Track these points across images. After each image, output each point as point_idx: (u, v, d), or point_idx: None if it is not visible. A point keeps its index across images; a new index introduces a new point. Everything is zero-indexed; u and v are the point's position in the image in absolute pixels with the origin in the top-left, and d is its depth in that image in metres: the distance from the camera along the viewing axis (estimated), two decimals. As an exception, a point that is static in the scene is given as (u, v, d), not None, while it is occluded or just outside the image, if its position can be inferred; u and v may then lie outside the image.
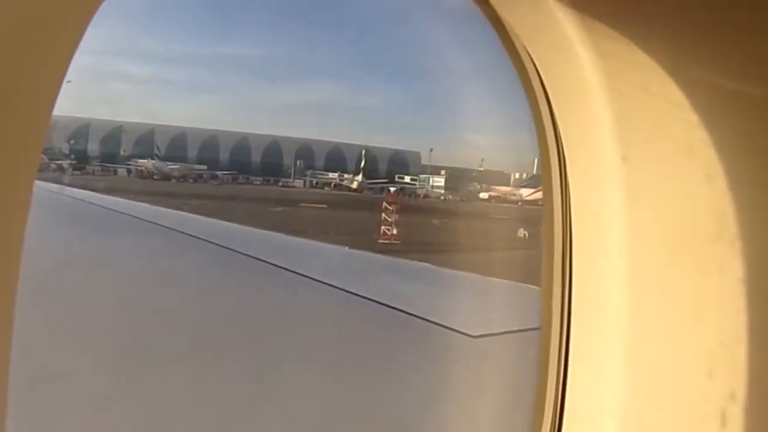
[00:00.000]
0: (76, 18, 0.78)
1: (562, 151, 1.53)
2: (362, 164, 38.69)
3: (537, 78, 1.53)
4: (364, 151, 38.72)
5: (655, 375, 1.39)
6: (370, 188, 38.04)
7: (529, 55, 1.51)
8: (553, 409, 1.56)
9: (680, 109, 1.32)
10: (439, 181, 38.44)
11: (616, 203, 1.39)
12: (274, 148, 36.88)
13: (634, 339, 1.39)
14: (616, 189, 1.38)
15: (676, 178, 1.36)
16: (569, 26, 1.33)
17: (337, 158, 38.37)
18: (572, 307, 1.53)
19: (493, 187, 37.01)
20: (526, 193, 36.02)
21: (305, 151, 37.57)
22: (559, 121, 1.51)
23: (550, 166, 1.56)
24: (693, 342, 1.36)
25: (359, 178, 38.54)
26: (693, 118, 1.32)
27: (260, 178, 36.16)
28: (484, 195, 37.01)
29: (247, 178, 35.93)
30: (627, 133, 1.35)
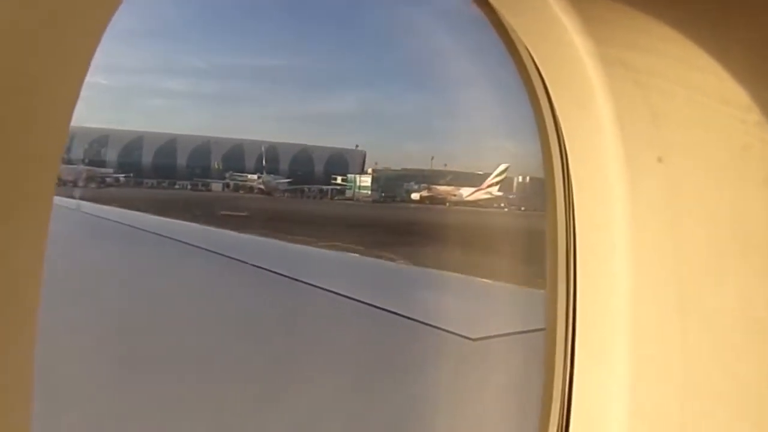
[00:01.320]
0: (92, 23, 0.78)
1: (565, 152, 1.53)
2: (263, 162, 36.55)
3: (539, 79, 1.53)
4: (264, 148, 36.29)
5: (662, 377, 1.39)
6: (287, 190, 36.25)
7: (531, 56, 1.51)
8: (560, 411, 1.55)
9: (729, 107, 1.29)
10: (366, 181, 36.70)
11: (625, 205, 1.40)
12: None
13: (641, 341, 1.39)
14: (641, 190, 1.37)
15: (726, 180, 1.34)
16: (570, 23, 1.33)
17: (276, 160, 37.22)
18: (577, 308, 1.53)
19: (434, 186, 36.57)
20: (466, 192, 35.28)
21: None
22: (561, 121, 1.52)
23: (552, 168, 1.56)
24: (702, 344, 1.36)
25: (266, 178, 36.28)
26: (747, 116, 1.29)
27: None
28: (415, 195, 36.13)
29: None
30: (663, 132, 1.34)
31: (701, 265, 1.35)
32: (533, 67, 1.53)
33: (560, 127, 1.53)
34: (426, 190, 37.43)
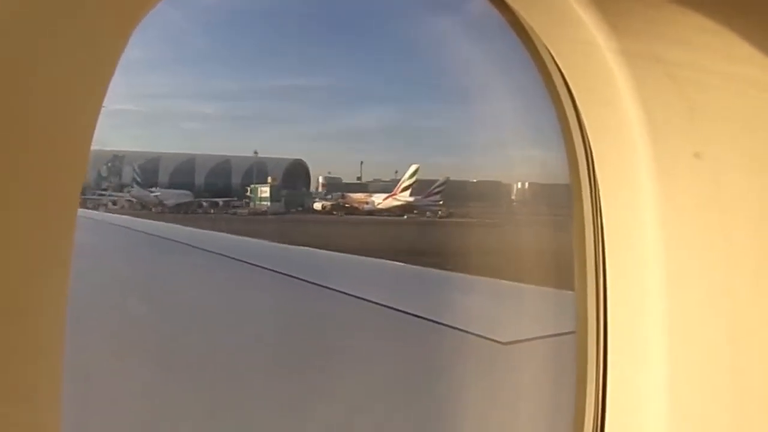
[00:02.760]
0: (112, 42, 0.79)
1: (590, 153, 1.52)
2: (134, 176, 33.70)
3: (561, 79, 1.52)
4: (136, 166, 33.17)
5: (705, 381, 1.36)
6: (177, 204, 32.62)
7: (552, 57, 1.49)
8: (594, 416, 1.53)
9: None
10: (265, 192, 34.47)
11: (657, 203, 1.39)
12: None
13: (680, 344, 1.37)
14: (675, 187, 1.35)
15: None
16: (590, 19, 1.31)
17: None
18: (608, 311, 1.51)
19: (348, 195, 35.91)
20: (378, 199, 33.20)
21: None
22: (586, 121, 1.51)
23: (578, 169, 1.55)
24: (750, 347, 1.33)
25: (138, 192, 32.75)
26: None
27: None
28: (318, 206, 34.07)
29: (216, 204, 33.54)
30: (701, 126, 1.31)
31: (746, 264, 1.31)
32: (555, 67, 1.51)
33: (584, 127, 1.52)
34: (336, 200, 36.76)
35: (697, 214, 1.36)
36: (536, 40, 1.50)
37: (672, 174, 1.37)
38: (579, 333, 1.56)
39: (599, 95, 1.45)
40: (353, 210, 34.96)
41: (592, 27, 1.32)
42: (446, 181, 33.66)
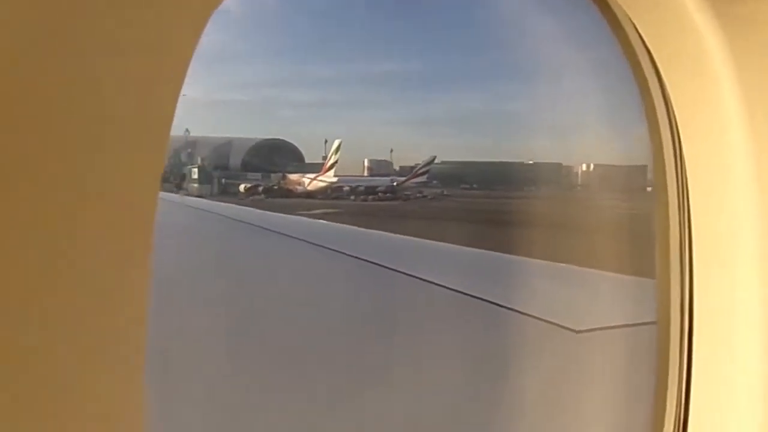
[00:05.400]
0: (190, 27, 0.79)
1: (677, 131, 1.41)
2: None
3: (645, 52, 1.40)
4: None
5: None
6: None
7: (636, 29, 1.38)
8: (677, 410, 1.43)
9: None
10: (195, 173, 33.33)
11: (752, 185, 1.28)
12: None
13: None
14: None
15: None
16: None
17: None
18: (695, 301, 1.41)
19: (288, 176, 33.94)
20: (308, 181, 33.24)
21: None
22: (672, 98, 1.39)
23: (662, 149, 1.44)
24: None
25: None
26: None
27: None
28: (242, 187, 33.43)
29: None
30: None
31: None
32: (636, 35, 1.40)
33: (671, 105, 1.40)
34: (269, 182, 35.12)
35: None
36: (619, 13, 1.40)
37: None
38: (661, 324, 1.46)
39: (687, 66, 1.34)
40: (286, 193, 32.61)
41: None
42: (431, 161, 31.81)
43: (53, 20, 0.67)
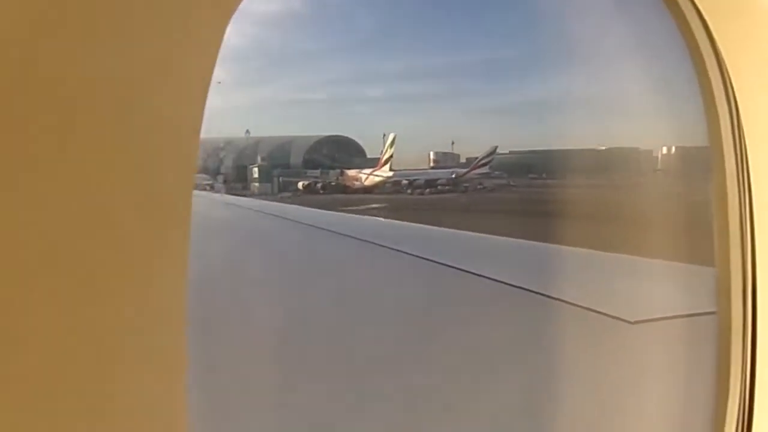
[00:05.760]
0: (215, 21, 0.78)
1: (737, 113, 1.33)
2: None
3: (702, 30, 1.34)
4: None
5: None
6: None
7: (695, 6, 1.32)
8: (740, 406, 1.36)
9: None
10: (255, 173, 32.10)
11: None
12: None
13: None
14: None
15: None
16: None
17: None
18: (758, 290, 1.33)
19: (346, 172, 32.02)
20: (365, 177, 29.41)
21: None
22: (732, 77, 1.32)
23: (719, 131, 1.36)
24: None
25: None
26: None
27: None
28: (300, 185, 31.48)
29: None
30: None
31: None
32: (696, 17, 1.33)
33: (730, 83, 1.33)
34: (327, 178, 33.69)
35: None
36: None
37: None
38: (721, 314, 1.38)
39: (748, 47, 1.26)
40: (344, 189, 31.12)
41: None
42: (493, 152, 30.01)
43: (83, 18, 0.68)
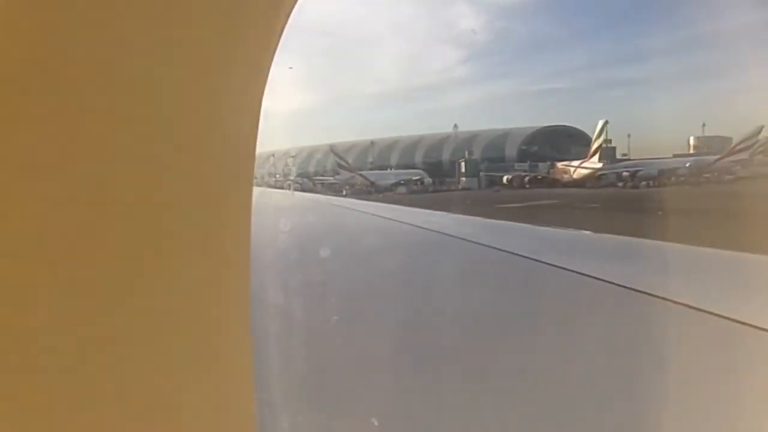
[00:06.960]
0: (275, 13, 0.79)
1: None
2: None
3: None
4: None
5: None
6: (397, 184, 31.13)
7: None
8: None
9: None
10: (462, 167, 29.59)
11: None
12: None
13: None
14: None
15: None
16: None
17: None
18: None
19: (557, 165, 28.25)
20: (573, 169, 27.27)
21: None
22: None
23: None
24: None
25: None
26: None
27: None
28: (505, 179, 28.74)
29: (442, 182, 32.54)
30: None
31: None
32: None
33: None
34: (536, 171, 29.36)
35: None
36: None
37: None
38: None
39: None
40: (553, 182, 27.67)
41: None
42: (757, 133, 24.40)
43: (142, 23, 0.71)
